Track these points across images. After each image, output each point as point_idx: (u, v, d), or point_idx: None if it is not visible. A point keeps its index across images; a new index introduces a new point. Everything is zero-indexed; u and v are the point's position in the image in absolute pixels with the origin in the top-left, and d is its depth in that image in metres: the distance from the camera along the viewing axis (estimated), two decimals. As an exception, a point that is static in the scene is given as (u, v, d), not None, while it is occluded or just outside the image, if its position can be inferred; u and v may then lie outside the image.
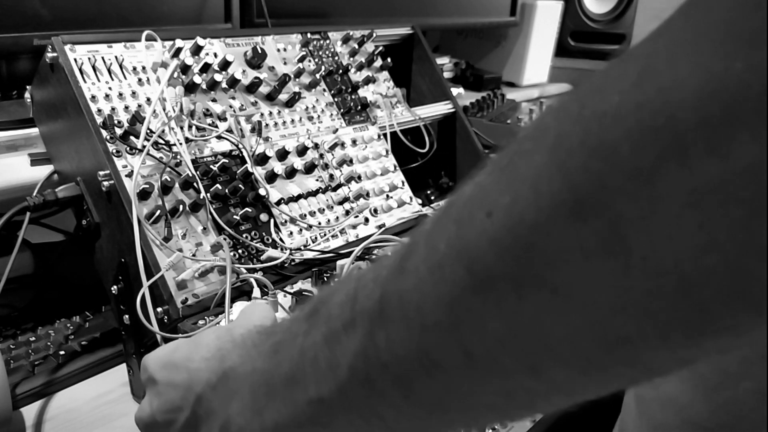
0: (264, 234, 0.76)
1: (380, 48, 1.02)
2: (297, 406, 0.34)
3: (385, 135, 0.97)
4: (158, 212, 0.66)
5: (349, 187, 0.88)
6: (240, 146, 0.78)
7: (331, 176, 0.87)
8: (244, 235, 0.73)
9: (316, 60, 0.94)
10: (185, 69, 0.76)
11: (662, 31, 0.22)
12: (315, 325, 0.33)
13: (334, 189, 0.86)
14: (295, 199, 0.81)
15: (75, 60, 0.70)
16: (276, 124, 0.84)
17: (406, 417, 0.31)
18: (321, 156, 0.87)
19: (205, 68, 0.78)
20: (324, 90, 0.93)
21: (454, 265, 0.26)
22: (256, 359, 0.37)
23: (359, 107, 0.96)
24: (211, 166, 0.74)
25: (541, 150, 0.24)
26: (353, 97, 0.96)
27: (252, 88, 0.83)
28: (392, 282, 0.29)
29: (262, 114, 0.83)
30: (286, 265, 0.75)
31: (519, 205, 0.24)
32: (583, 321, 0.23)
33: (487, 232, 0.25)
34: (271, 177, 0.79)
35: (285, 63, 0.90)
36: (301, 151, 0.84)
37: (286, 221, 0.79)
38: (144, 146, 0.69)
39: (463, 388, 0.28)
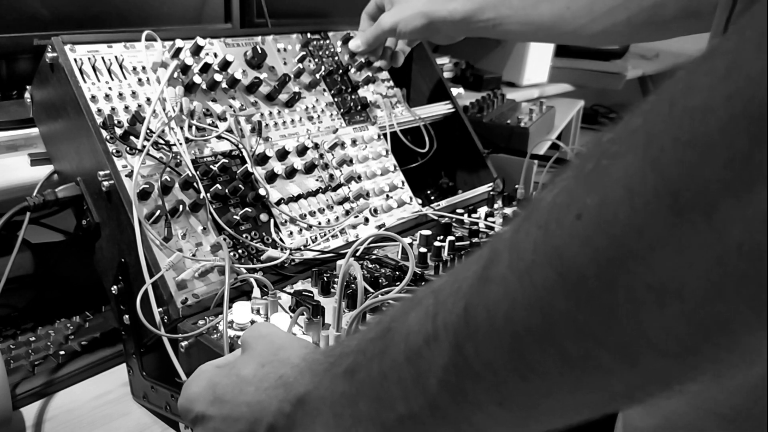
0: (264, 234, 0.76)
1: (380, 48, 1.02)
2: (386, 423, 0.34)
3: (385, 135, 0.97)
4: (158, 212, 0.66)
5: (349, 187, 0.88)
6: (240, 146, 0.78)
7: (331, 176, 0.87)
8: (244, 235, 0.73)
9: (316, 60, 0.94)
10: (185, 69, 0.76)
11: (746, 25, 0.23)
12: (391, 344, 0.33)
13: (334, 189, 0.86)
14: (295, 199, 0.81)
15: (75, 60, 0.70)
16: (276, 124, 0.84)
17: (500, 422, 0.31)
18: (321, 156, 0.87)
19: (205, 68, 0.78)
20: (324, 90, 0.93)
21: (544, 269, 0.26)
22: (332, 383, 0.37)
23: (359, 107, 0.96)
24: (211, 166, 0.74)
25: (631, 150, 0.24)
26: (353, 97, 0.96)
27: (252, 88, 0.83)
28: (476, 292, 0.29)
29: (262, 114, 0.83)
30: (286, 265, 0.75)
31: (611, 205, 0.24)
32: (679, 311, 0.24)
33: (578, 234, 0.25)
34: (271, 177, 0.79)
35: (285, 63, 0.90)
36: (301, 151, 0.84)
37: (286, 221, 0.79)
38: (144, 146, 0.69)
39: (561, 389, 0.28)
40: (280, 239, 0.76)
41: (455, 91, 1.34)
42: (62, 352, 0.72)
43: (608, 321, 0.25)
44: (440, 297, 0.32)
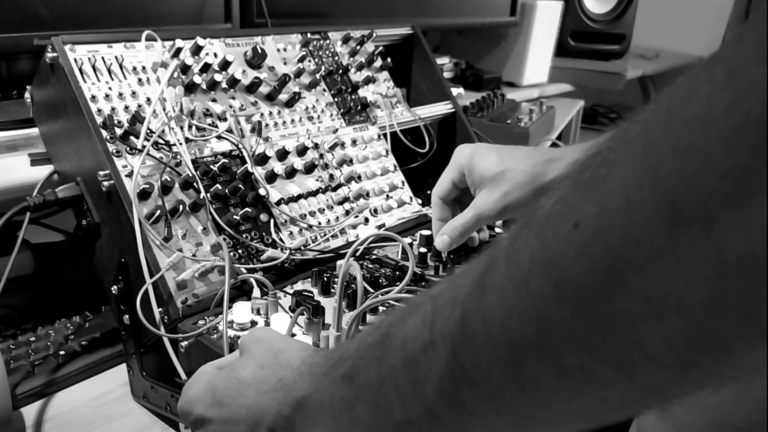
0: (264, 234, 0.76)
1: (380, 48, 1.02)
2: (383, 429, 0.34)
3: (385, 135, 0.97)
4: (158, 212, 0.66)
5: (349, 187, 0.88)
6: (240, 146, 0.78)
7: (331, 176, 0.87)
8: (244, 235, 0.73)
9: (316, 60, 0.94)
10: (185, 69, 0.76)
11: (746, 33, 0.22)
12: (389, 350, 0.33)
13: (334, 189, 0.86)
14: (295, 199, 0.81)
15: (75, 60, 0.70)
16: (276, 124, 0.84)
17: (497, 431, 0.31)
18: (321, 156, 0.87)
19: (205, 68, 0.78)
20: (324, 90, 0.93)
21: (541, 279, 0.26)
22: (331, 386, 0.37)
23: (359, 107, 0.96)
24: (211, 166, 0.74)
25: (629, 159, 0.24)
26: (353, 97, 0.96)
27: (252, 88, 0.83)
28: (473, 300, 0.29)
29: (262, 114, 0.83)
30: (286, 265, 0.75)
31: (608, 215, 0.24)
32: (678, 324, 0.23)
33: (575, 243, 0.25)
34: (271, 177, 0.79)
35: (285, 63, 0.90)
36: (301, 151, 0.84)
37: (286, 221, 0.79)
38: (144, 146, 0.69)
39: (557, 400, 0.28)
40: (280, 239, 0.76)
41: (455, 91, 1.34)
42: (62, 352, 0.72)
43: (605, 332, 0.25)
44: (438, 304, 0.31)
